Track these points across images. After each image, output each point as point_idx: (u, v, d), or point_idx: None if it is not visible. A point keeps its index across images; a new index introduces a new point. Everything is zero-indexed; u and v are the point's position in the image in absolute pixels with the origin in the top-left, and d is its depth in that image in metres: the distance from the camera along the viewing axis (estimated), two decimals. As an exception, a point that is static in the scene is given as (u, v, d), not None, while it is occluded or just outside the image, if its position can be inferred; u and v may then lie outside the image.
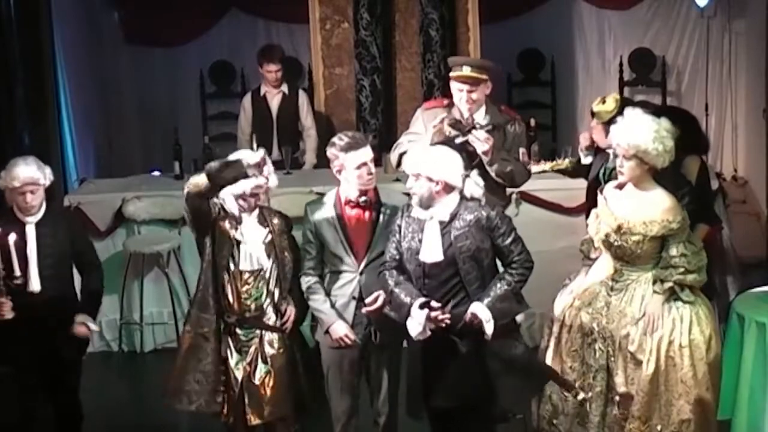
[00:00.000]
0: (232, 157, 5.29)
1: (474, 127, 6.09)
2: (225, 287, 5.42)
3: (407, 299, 5.20)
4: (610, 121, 5.83)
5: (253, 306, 5.45)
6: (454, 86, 6.22)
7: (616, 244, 5.48)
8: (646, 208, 5.42)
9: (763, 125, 8.95)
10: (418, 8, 8.85)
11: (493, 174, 6.15)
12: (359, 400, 5.72)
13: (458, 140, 5.99)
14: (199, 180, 5.19)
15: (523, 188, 7.21)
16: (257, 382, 5.44)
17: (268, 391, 5.45)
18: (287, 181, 7.93)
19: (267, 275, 5.45)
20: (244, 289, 5.42)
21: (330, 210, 5.54)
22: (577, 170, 6.86)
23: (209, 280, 5.41)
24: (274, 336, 5.50)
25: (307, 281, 5.57)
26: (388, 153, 7.11)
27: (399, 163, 6.31)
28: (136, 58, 10.57)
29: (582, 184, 6.72)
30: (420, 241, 5.23)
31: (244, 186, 5.29)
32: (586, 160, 6.56)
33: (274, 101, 8.92)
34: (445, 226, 5.21)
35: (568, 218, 7.62)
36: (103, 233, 7.89)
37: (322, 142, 8.20)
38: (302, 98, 8.94)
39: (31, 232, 5.93)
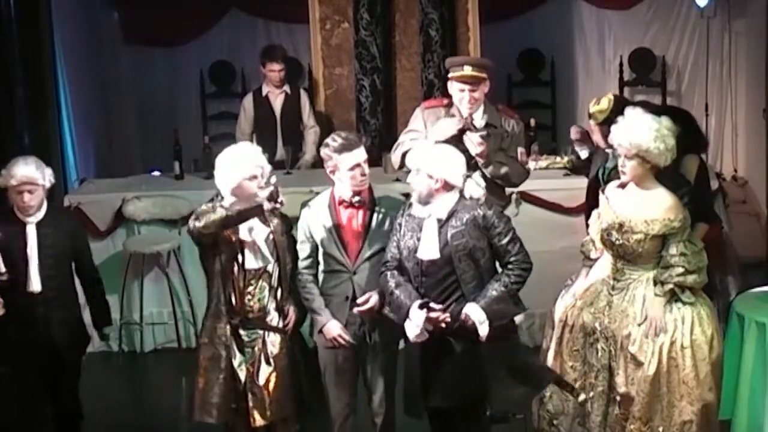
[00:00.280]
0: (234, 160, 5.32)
1: (469, 129, 6.09)
2: (228, 288, 5.42)
3: (407, 301, 5.21)
4: (607, 121, 5.84)
5: (256, 306, 5.45)
6: (455, 86, 6.21)
7: (617, 242, 5.48)
8: (648, 207, 5.42)
9: (763, 125, 8.95)
10: (418, 8, 8.85)
11: (488, 176, 6.15)
12: (356, 399, 5.73)
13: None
14: (215, 217, 5.20)
15: (523, 188, 7.21)
16: (261, 382, 5.43)
17: (272, 392, 5.44)
18: (287, 181, 7.93)
19: (270, 274, 5.45)
20: (247, 289, 5.41)
21: (324, 210, 5.55)
22: (578, 167, 6.86)
23: (220, 290, 5.41)
24: (277, 336, 5.49)
25: (301, 280, 5.58)
26: (388, 153, 7.11)
27: (402, 164, 6.27)
28: (136, 58, 10.58)
29: (582, 183, 6.72)
30: (418, 239, 5.24)
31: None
32: (583, 154, 6.56)
33: (277, 101, 8.92)
34: (442, 225, 5.21)
35: (568, 218, 7.61)
36: (103, 233, 7.88)
37: (322, 142, 8.19)
38: (304, 98, 8.94)
39: (31, 232, 5.93)
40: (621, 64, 10.35)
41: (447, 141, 5.82)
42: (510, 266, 5.22)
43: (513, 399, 5.28)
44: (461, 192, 5.26)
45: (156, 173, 8.72)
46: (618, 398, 5.49)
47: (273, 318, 5.50)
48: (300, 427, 5.66)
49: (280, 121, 8.90)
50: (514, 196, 7.52)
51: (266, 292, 5.46)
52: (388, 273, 5.33)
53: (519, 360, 5.29)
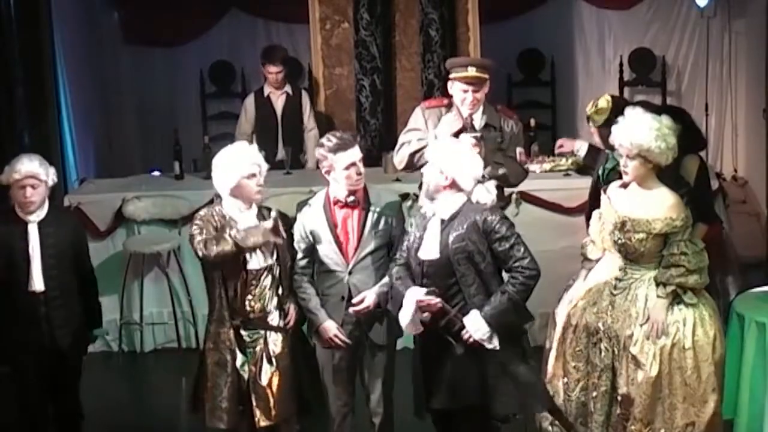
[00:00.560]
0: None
1: (466, 129, 6.08)
2: (229, 291, 5.42)
3: (404, 292, 5.20)
4: (607, 123, 5.84)
5: (257, 307, 5.45)
6: (457, 87, 6.20)
7: (619, 242, 5.48)
8: (650, 206, 5.42)
9: (763, 125, 8.95)
10: (418, 8, 8.85)
11: (486, 176, 6.13)
12: (354, 398, 5.73)
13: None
14: (227, 250, 5.25)
15: (523, 188, 7.21)
16: (264, 383, 5.43)
17: (275, 392, 5.44)
18: (287, 181, 7.94)
19: (271, 274, 5.45)
20: (249, 290, 5.41)
21: (319, 210, 5.55)
22: (583, 167, 6.86)
23: (222, 294, 5.41)
24: (278, 336, 5.49)
25: (297, 280, 5.58)
26: (387, 153, 7.10)
27: (409, 163, 6.24)
28: (136, 58, 10.57)
29: (581, 183, 6.72)
30: (422, 238, 5.24)
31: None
32: (582, 152, 6.55)
33: (279, 102, 8.92)
34: (444, 226, 5.20)
35: (568, 218, 7.61)
36: (103, 233, 7.88)
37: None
38: (305, 99, 8.94)
39: (33, 231, 5.93)
40: (621, 64, 10.34)
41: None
42: (514, 273, 5.14)
43: (512, 401, 5.25)
44: (469, 196, 5.24)
45: (156, 173, 8.72)
46: (619, 398, 5.48)
47: (274, 318, 5.50)
48: (300, 427, 5.65)
49: (281, 121, 8.90)
50: (514, 196, 7.53)
51: (267, 292, 5.46)
52: (395, 268, 5.33)
53: (520, 364, 5.25)
